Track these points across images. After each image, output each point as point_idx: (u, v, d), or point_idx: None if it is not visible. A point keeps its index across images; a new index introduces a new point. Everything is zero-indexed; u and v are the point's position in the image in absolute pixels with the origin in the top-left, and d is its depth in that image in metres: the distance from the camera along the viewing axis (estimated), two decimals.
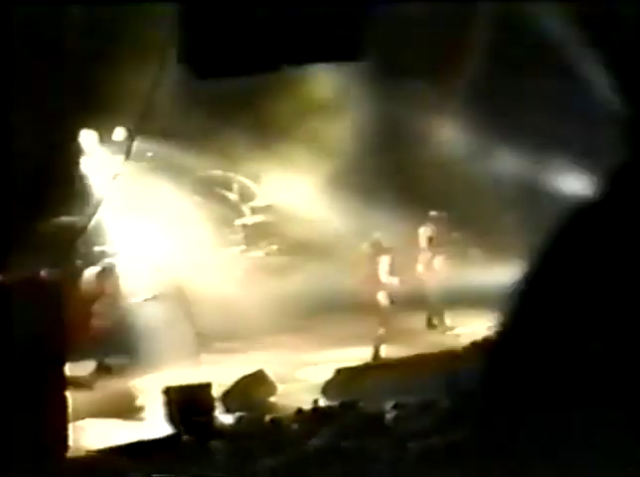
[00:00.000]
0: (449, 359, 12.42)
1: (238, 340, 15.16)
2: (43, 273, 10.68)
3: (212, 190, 17.26)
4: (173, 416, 10.78)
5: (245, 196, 17.66)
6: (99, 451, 9.95)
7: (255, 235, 17.63)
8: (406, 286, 14.44)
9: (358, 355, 13.87)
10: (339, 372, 12.34)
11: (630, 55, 2.35)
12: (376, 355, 14.17)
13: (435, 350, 13.21)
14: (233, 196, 17.56)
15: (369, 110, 16.76)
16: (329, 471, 8.38)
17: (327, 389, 12.00)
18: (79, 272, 14.82)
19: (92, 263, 15.45)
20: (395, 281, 14.42)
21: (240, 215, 17.65)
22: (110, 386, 13.52)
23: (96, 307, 14.76)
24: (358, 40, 7.00)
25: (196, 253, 15.84)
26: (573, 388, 1.87)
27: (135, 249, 15.97)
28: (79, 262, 14.87)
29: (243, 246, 17.43)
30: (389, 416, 10.17)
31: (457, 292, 14.97)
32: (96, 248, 15.76)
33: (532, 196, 17.02)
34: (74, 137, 15.46)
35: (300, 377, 13.00)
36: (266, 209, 17.73)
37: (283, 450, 9.24)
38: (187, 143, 15.88)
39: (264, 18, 6.74)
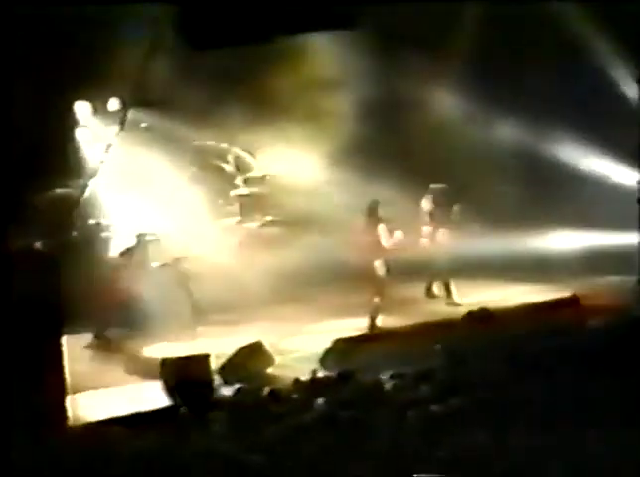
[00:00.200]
0: (446, 328, 12.46)
1: (234, 312, 15.17)
2: (38, 245, 10.65)
3: (207, 161, 17.21)
4: (170, 388, 10.79)
5: (241, 167, 17.61)
6: (98, 423, 9.95)
7: (251, 206, 17.61)
8: (408, 254, 14.34)
9: (355, 325, 13.89)
10: (336, 342, 12.36)
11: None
12: (372, 325, 14.16)
13: (432, 319, 13.24)
14: (228, 167, 17.51)
15: (367, 82, 16.67)
16: (328, 441, 8.39)
17: (325, 359, 12.02)
18: (75, 243, 14.79)
19: (88, 235, 15.45)
20: (398, 235, 14.16)
21: (236, 186, 17.61)
22: (109, 357, 13.54)
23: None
24: (351, 9, 6.96)
25: (191, 225, 15.81)
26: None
27: (130, 221, 15.95)
28: (74, 234, 14.84)
29: (239, 217, 17.41)
30: (387, 386, 10.20)
31: (457, 263, 14.99)
32: (91, 220, 15.76)
33: (531, 166, 17.01)
34: (68, 108, 15.41)
35: (298, 347, 13.01)
36: (262, 180, 17.69)
37: (282, 421, 9.25)
38: (182, 114, 15.81)
39: None
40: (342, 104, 16.92)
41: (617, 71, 16.15)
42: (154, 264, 15.35)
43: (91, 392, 11.21)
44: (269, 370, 12.07)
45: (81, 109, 15.60)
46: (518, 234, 15.35)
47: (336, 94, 16.91)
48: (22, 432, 8.72)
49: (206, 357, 11.11)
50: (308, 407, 9.65)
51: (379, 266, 14.34)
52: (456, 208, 15.54)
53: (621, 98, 16.12)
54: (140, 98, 13.48)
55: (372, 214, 14.45)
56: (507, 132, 17.10)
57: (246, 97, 16.12)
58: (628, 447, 7.32)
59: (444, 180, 15.87)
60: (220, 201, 17.26)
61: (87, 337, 14.31)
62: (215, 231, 16.40)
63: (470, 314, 13.11)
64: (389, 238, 14.16)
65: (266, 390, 10.67)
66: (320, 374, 11.24)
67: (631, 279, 13.79)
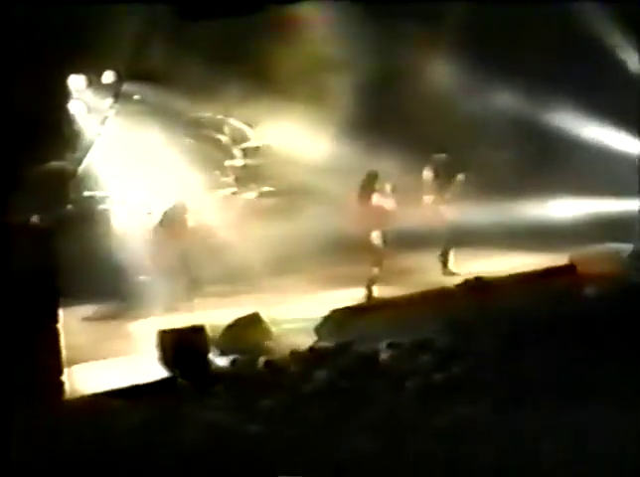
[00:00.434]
0: (443, 298, 12.46)
1: (231, 283, 15.16)
2: (35, 219, 10.62)
3: (203, 133, 17.16)
4: (167, 360, 10.79)
5: (237, 138, 17.56)
6: (95, 395, 9.96)
7: (247, 177, 17.57)
8: (407, 224, 14.28)
9: (353, 295, 13.88)
10: (334, 312, 12.35)
11: None
12: (369, 295, 14.16)
13: (429, 289, 13.23)
14: (224, 138, 17.46)
15: (366, 53, 16.55)
16: (326, 412, 8.40)
17: (322, 330, 12.01)
18: (71, 217, 14.77)
19: (85, 208, 15.45)
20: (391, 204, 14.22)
21: (232, 157, 17.57)
22: (106, 329, 13.54)
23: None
24: None
25: (187, 196, 15.77)
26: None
27: (126, 193, 15.93)
28: (70, 207, 14.80)
29: (234, 189, 17.38)
30: (384, 356, 10.20)
31: (457, 233, 14.95)
32: (87, 193, 15.74)
33: (531, 133, 16.95)
34: (62, 81, 15.32)
35: (295, 318, 12.99)
36: (258, 151, 17.65)
37: (280, 392, 9.26)
38: (178, 86, 15.75)
39: None
40: (340, 75, 16.84)
41: (617, 37, 16.10)
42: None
43: (89, 364, 11.21)
44: (266, 341, 12.05)
45: (76, 82, 15.51)
46: (518, 202, 15.32)
47: (334, 66, 16.82)
48: (19, 405, 8.72)
49: (202, 328, 11.09)
50: (306, 378, 9.67)
51: (376, 237, 14.32)
52: (460, 177, 15.36)
53: (621, 65, 16.07)
54: (135, 71, 13.40)
55: (369, 184, 14.41)
56: (506, 101, 17.01)
57: (243, 70, 16.04)
58: (626, 413, 7.37)
59: (445, 150, 15.77)
60: (216, 172, 17.22)
61: (84, 309, 14.34)
62: (211, 202, 16.36)
63: (466, 283, 13.10)
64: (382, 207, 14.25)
65: (263, 361, 10.68)
66: (318, 344, 11.25)
67: (629, 246, 13.78)
